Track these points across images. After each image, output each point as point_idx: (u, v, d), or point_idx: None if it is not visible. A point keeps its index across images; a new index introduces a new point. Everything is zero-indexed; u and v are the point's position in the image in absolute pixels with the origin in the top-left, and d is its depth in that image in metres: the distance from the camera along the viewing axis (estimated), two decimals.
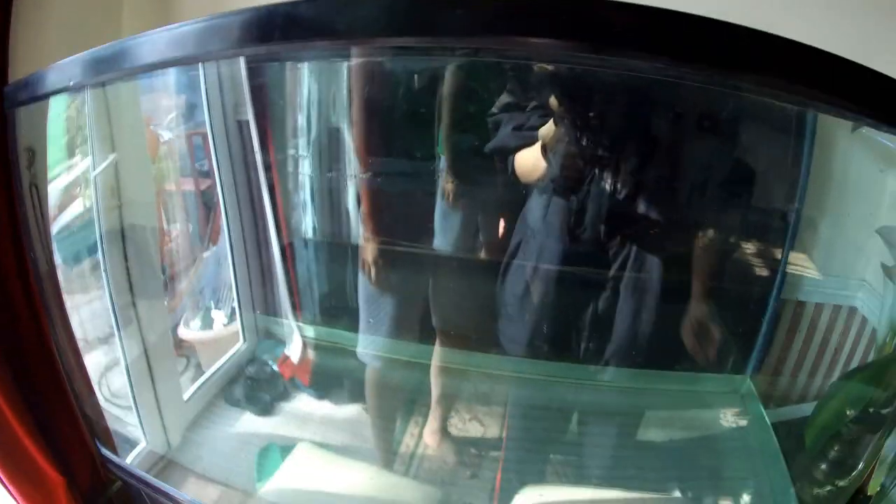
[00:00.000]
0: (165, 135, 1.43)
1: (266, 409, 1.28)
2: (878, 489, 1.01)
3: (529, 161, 1.00)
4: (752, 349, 1.15)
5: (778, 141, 1.11)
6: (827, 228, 1.18)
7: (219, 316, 1.34)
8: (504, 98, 0.98)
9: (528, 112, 0.99)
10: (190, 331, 1.37)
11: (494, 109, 0.99)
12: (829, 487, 1.11)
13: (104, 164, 1.17)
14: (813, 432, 1.15)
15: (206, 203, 1.37)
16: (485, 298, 1.12)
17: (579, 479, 1.15)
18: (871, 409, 1.09)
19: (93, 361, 1.24)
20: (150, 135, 1.39)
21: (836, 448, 1.12)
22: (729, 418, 1.17)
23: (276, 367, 1.31)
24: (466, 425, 1.20)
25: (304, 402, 1.29)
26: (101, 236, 1.17)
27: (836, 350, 1.17)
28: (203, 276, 1.37)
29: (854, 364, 1.16)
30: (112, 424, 1.16)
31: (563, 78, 0.98)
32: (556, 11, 0.59)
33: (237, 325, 1.33)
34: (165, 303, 1.32)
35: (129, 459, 1.14)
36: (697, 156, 1.07)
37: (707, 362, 1.15)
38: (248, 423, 1.27)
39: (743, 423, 1.16)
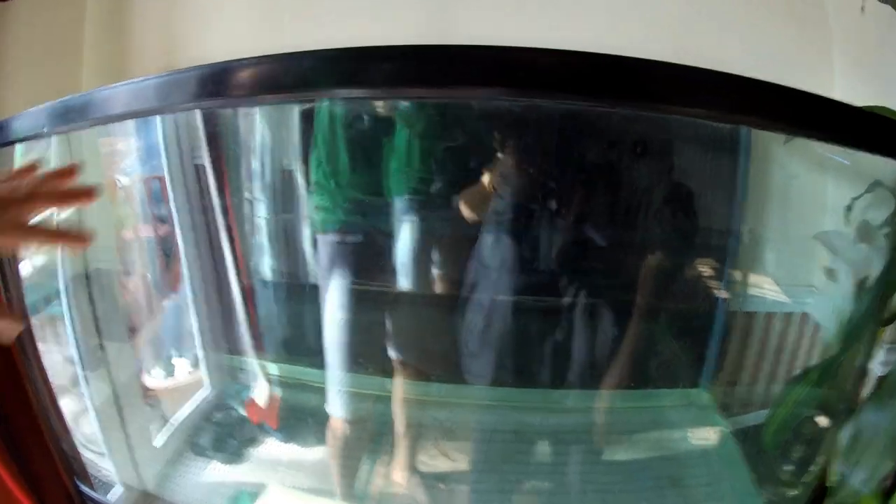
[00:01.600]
0: (123, 180, 1.43)
1: (234, 456, 1.27)
2: (838, 478, 1.04)
3: (475, 198, 1.04)
4: (704, 362, 1.19)
5: (714, 157, 1.17)
6: (771, 239, 1.24)
7: (181, 363, 1.32)
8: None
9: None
10: (153, 379, 1.35)
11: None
12: (794, 488, 1.15)
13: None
14: (771, 435, 1.18)
15: (165, 249, 1.37)
16: (444, 332, 1.14)
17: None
18: (824, 406, 1.13)
19: (67, 404, 1.21)
20: (108, 180, 1.38)
21: (796, 448, 1.16)
22: (689, 430, 1.21)
23: (242, 412, 1.29)
24: (434, 461, 1.20)
25: (272, 446, 1.28)
26: (64, 282, 1.16)
27: (791, 355, 1.22)
28: (164, 323, 1.36)
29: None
30: (89, 466, 1.14)
31: (504, 118, 1.03)
32: (483, 59, 0.62)
33: (201, 371, 1.32)
34: (132, 349, 1.31)
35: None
36: (637, 181, 1.12)
37: (662, 378, 1.19)
38: (217, 470, 1.25)
39: (703, 433, 1.19)
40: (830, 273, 1.19)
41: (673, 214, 1.15)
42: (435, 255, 1.12)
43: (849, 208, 1.09)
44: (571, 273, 1.11)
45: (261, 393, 1.27)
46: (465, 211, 1.06)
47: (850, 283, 1.15)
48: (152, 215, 1.44)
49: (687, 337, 1.19)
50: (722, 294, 1.20)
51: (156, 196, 1.45)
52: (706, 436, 1.20)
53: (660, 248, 1.14)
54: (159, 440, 1.27)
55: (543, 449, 1.17)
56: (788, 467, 1.14)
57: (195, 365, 1.32)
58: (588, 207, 1.09)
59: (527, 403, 1.17)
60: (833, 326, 1.17)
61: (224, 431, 1.27)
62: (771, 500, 1.14)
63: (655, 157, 1.10)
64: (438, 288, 1.14)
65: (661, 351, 1.19)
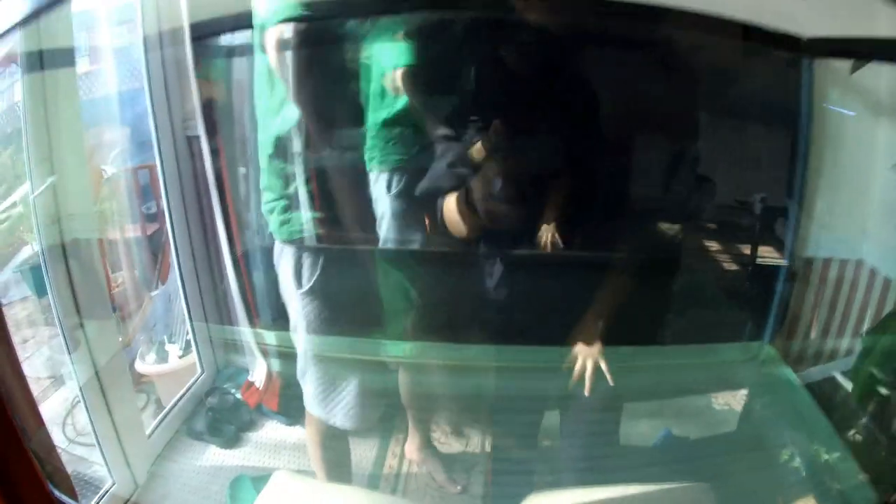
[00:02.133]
0: (109, 170, 1.38)
1: (232, 441, 1.15)
2: None
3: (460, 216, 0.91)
4: (765, 311, 1.03)
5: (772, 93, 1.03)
6: (826, 182, 1.08)
7: (173, 348, 1.23)
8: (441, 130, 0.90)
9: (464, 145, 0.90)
10: (146, 365, 1.25)
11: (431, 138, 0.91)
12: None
13: (44, 186, 1.09)
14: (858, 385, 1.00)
15: (153, 246, 1.31)
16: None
17: (612, 468, 0.99)
18: None
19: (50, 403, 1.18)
20: (94, 170, 1.33)
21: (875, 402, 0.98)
22: (753, 386, 1.03)
23: (239, 396, 1.18)
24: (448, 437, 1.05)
25: (274, 430, 1.15)
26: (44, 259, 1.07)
27: (848, 303, 1.05)
28: (156, 308, 1.28)
29: (870, 313, 1.04)
30: (73, 467, 1.04)
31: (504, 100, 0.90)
32: None
33: (193, 354, 1.22)
34: (119, 338, 1.21)
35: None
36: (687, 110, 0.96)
37: (720, 332, 1.03)
38: (215, 455, 1.15)
39: (769, 388, 1.02)
40: None
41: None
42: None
43: None
44: (611, 218, 0.95)
45: (258, 372, 1.15)
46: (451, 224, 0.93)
47: None
48: (141, 192, 1.38)
49: (744, 285, 1.04)
50: (784, 237, 1.04)
51: (144, 185, 1.39)
52: (775, 391, 1.02)
53: (713, 189, 0.99)
54: (150, 428, 1.15)
55: (592, 416, 0.99)
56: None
57: (187, 349, 1.23)
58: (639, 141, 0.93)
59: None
60: None
61: (219, 416, 1.15)
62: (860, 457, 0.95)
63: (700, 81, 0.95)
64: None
65: (715, 301, 1.03)
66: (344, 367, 0.97)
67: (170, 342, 1.24)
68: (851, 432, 0.96)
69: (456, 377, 1.03)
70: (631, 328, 0.96)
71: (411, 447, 1.09)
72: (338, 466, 0.99)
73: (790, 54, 1.00)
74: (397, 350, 1.02)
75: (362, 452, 1.10)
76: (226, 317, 1.20)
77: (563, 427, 1.01)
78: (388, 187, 0.97)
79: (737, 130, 1.01)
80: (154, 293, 1.29)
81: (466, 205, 0.92)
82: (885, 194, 1.04)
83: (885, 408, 0.95)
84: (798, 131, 1.00)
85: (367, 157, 0.96)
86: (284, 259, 0.94)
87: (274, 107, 0.92)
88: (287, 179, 0.95)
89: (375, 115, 0.94)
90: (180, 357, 1.23)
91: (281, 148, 0.95)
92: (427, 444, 1.09)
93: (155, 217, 1.39)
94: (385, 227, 0.98)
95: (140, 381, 1.26)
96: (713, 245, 1.10)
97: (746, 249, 1.08)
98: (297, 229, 0.93)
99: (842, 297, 1.11)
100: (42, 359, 1.27)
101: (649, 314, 0.98)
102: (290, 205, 0.92)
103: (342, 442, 1.00)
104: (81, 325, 1.06)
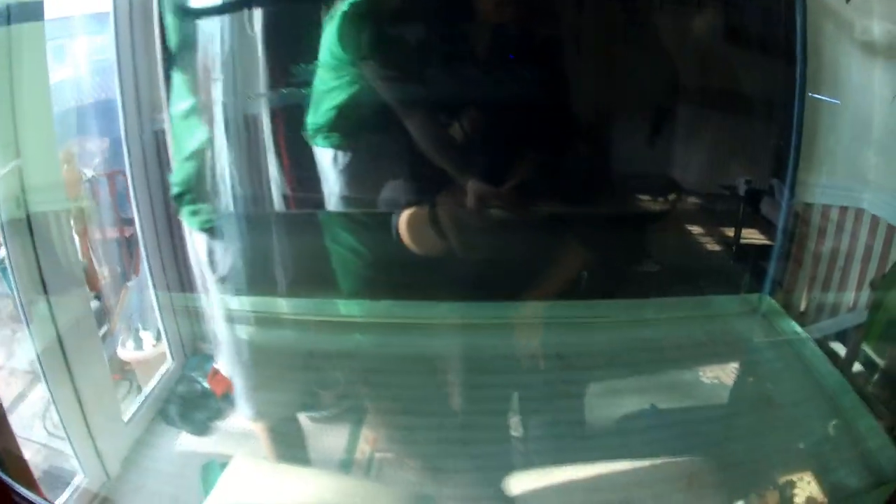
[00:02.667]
0: (89, 173, 1.43)
1: (202, 428, 1.11)
2: None
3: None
4: (768, 260, 0.95)
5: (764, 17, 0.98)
6: (824, 124, 1.02)
7: (147, 336, 1.22)
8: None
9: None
10: (126, 351, 1.24)
11: None
12: None
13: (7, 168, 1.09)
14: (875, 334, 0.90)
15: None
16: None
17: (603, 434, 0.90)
18: None
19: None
20: (71, 173, 1.37)
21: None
22: (755, 341, 0.94)
23: (206, 385, 1.15)
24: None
25: (240, 417, 1.11)
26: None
27: (849, 254, 0.97)
28: (131, 297, 1.29)
29: (874, 264, 0.96)
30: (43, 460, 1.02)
31: None
32: None
33: (164, 343, 1.20)
34: (94, 324, 1.20)
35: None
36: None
37: (717, 283, 0.95)
38: (189, 441, 1.12)
39: (773, 343, 0.93)
40: None
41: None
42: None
43: None
44: (586, 161, 0.90)
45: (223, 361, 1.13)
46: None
47: None
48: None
49: (741, 231, 0.96)
50: (783, 180, 0.98)
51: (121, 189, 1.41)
52: (781, 345, 0.93)
53: (705, 126, 0.93)
54: (127, 414, 1.13)
55: (579, 377, 0.91)
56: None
57: (159, 337, 1.22)
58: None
59: (556, 318, 0.93)
60: None
61: (188, 404, 1.12)
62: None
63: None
64: None
65: (709, 252, 0.96)
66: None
67: (144, 329, 1.23)
68: (869, 388, 0.86)
69: (420, 337, 0.97)
70: (630, 282, 0.91)
71: (374, 437, 1.00)
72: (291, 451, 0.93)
73: None
74: (350, 310, 0.97)
75: (333, 437, 1.04)
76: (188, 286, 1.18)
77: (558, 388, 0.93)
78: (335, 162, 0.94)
79: (729, 70, 0.96)
80: (130, 283, 1.30)
81: (433, 225, 0.85)
82: (885, 139, 0.98)
83: None
84: (794, 69, 0.94)
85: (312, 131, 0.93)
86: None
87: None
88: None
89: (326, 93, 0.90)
90: (154, 345, 1.22)
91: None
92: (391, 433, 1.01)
93: (132, 221, 1.41)
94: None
95: (124, 369, 1.26)
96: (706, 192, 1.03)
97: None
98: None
99: (843, 247, 1.03)
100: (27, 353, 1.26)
101: (646, 267, 0.92)
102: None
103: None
104: (47, 298, 1.05)
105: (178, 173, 0.95)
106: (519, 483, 0.84)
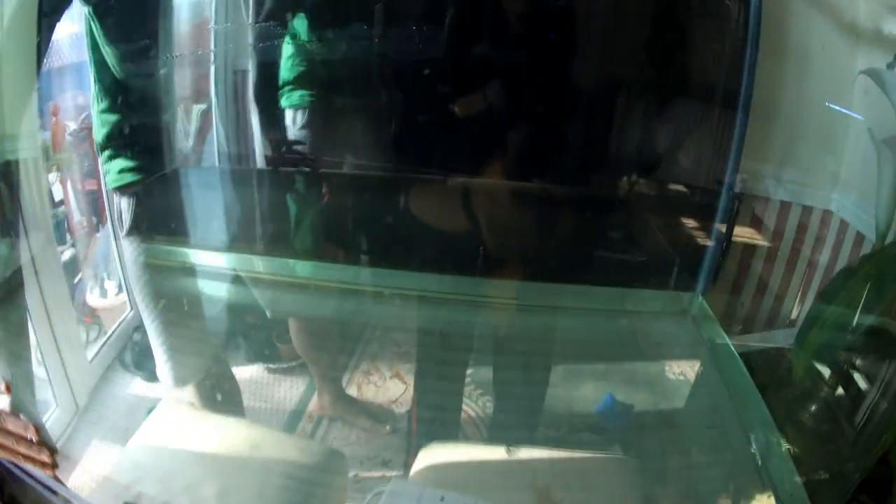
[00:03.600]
0: (71, 125, 1.45)
1: (153, 376, 1.18)
2: None
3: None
4: (701, 258, 0.89)
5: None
6: (786, 108, 0.91)
7: (111, 285, 1.28)
8: None
9: None
10: (93, 298, 1.32)
11: None
12: (832, 443, 0.82)
13: None
14: (804, 361, 0.85)
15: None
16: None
17: (496, 429, 0.92)
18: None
19: None
20: (58, 124, 1.40)
21: (829, 385, 0.83)
22: (679, 347, 0.90)
23: None
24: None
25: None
26: None
27: (811, 260, 0.89)
28: (99, 247, 1.34)
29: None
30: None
31: None
32: None
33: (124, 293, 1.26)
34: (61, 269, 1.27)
35: None
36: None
37: (646, 276, 0.90)
38: (141, 386, 1.21)
39: (698, 352, 0.88)
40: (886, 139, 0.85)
41: (658, 69, 0.87)
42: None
43: (891, 66, 0.77)
44: (526, 145, 0.86)
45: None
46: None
47: None
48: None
49: (677, 222, 0.90)
50: (724, 170, 0.89)
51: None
52: (703, 356, 0.89)
53: (638, 104, 0.87)
54: (91, 354, 1.22)
55: (487, 360, 0.91)
56: (816, 409, 0.81)
57: (119, 288, 1.27)
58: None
59: (473, 296, 0.92)
60: (884, 214, 0.83)
61: (143, 352, 1.19)
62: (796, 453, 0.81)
63: None
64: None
65: (642, 239, 0.91)
66: None
67: (108, 279, 1.29)
68: (793, 419, 0.81)
69: (370, 304, 0.99)
70: (553, 263, 0.88)
71: (320, 404, 1.04)
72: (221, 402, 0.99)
73: None
74: (295, 269, 0.99)
75: (285, 391, 1.09)
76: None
77: (495, 373, 0.95)
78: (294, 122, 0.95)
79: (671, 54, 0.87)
80: (98, 234, 1.35)
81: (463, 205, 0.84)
82: (862, 135, 0.87)
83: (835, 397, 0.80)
84: (746, 42, 0.84)
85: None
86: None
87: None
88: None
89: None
90: (116, 294, 1.28)
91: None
92: (340, 397, 1.06)
93: None
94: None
95: (93, 314, 1.34)
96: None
97: (679, 179, 0.93)
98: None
99: (804, 250, 0.95)
100: None
101: (573, 250, 0.89)
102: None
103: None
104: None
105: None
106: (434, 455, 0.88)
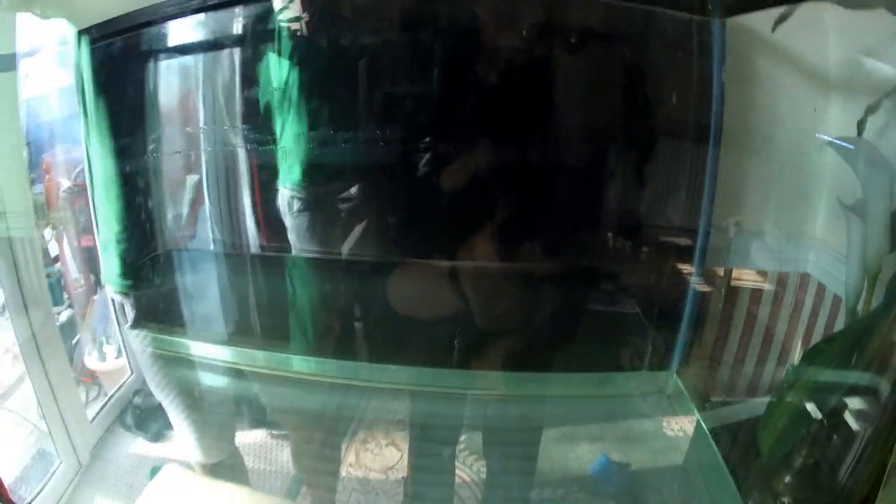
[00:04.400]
0: (65, 183, 1.47)
1: (156, 436, 1.24)
2: None
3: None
4: (676, 336, 0.93)
5: (675, 60, 0.88)
6: (756, 173, 0.93)
7: (110, 349, 1.32)
8: None
9: None
10: (91, 360, 1.36)
11: None
12: None
13: None
14: (771, 436, 0.89)
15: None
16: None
17: None
18: (853, 393, 0.83)
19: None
20: (52, 182, 1.42)
21: (803, 454, 0.87)
22: (655, 426, 0.94)
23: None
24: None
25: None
26: None
27: (788, 328, 0.92)
28: (97, 310, 1.37)
29: (816, 338, 0.90)
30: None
31: None
32: None
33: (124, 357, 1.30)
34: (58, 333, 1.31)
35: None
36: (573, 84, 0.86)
37: (621, 358, 0.93)
38: (143, 446, 1.26)
39: (673, 431, 0.92)
40: (848, 207, 0.87)
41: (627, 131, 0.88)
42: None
43: (861, 124, 0.79)
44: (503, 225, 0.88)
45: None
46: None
47: (881, 215, 0.83)
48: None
49: (651, 302, 0.93)
50: (693, 243, 0.92)
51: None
52: (679, 435, 0.92)
53: (609, 171, 0.87)
54: (91, 413, 1.28)
55: (478, 446, 0.94)
56: (790, 480, 0.85)
57: (119, 352, 1.32)
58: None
59: (455, 388, 0.96)
60: (854, 282, 0.86)
61: (144, 414, 1.23)
62: None
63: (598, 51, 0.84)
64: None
65: (623, 319, 0.93)
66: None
67: (107, 343, 1.33)
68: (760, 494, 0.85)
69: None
70: (538, 353, 0.90)
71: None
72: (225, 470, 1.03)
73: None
74: (291, 364, 1.02)
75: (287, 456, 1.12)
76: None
77: (485, 448, 0.97)
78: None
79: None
80: (95, 297, 1.38)
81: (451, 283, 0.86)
82: (836, 190, 0.88)
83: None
84: (710, 110, 0.86)
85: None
86: None
87: None
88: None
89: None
90: (116, 358, 1.32)
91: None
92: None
93: None
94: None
95: (93, 375, 1.37)
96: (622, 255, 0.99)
97: (655, 259, 0.96)
98: None
99: (782, 317, 0.97)
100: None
101: (557, 338, 0.91)
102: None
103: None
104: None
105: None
106: None
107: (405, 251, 0.93)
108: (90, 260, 1.47)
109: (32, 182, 1.42)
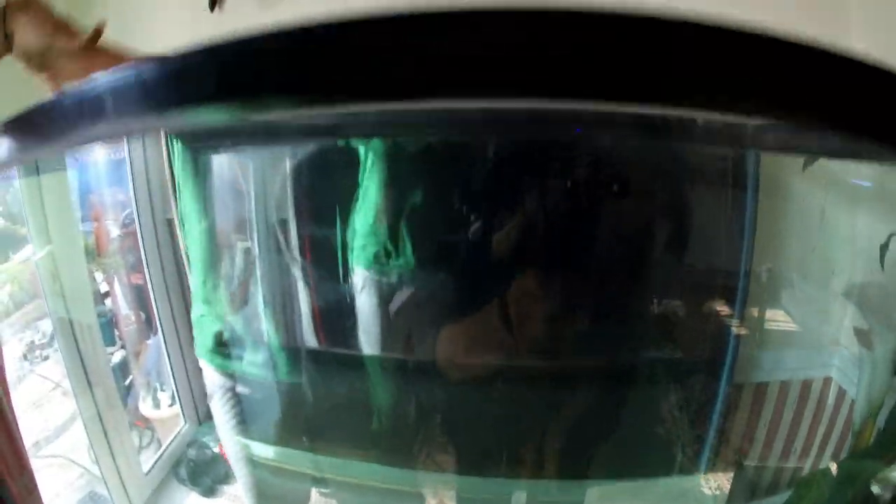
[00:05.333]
0: (115, 230, 1.52)
1: (209, 490, 1.30)
2: None
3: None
4: (704, 443, 0.99)
5: (713, 194, 0.95)
6: (785, 289, 1.00)
7: (164, 396, 1.38)
8: None
9: None
10: (145, 407, 1.42)
11: None
12: None
13: (42, 253, 1.24)
14: None
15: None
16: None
17: None
18: None
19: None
20: (101, 229, 1.47)
21: None
22: None
23: (217, 451, 1.31)
24: None
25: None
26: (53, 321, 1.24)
27: (809, 433, 0.99)
28: (150, 355, 1.43)
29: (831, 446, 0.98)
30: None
31: None
32: None
33: (178, 406, 1.36)
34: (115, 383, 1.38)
35: None
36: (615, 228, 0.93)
37: (653, 464, 1.00)
38: (197, 500, 1.30)
39: None
40: (862, 335, 0.95)
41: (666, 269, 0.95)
42: None
43: (885, 247, 0.85)
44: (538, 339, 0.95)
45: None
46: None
47: (887, 352, 0.90)
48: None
49: (682, 410, 1.00)
50: (723, 359, 0.99)
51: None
52: None
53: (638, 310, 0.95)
54: (146, 466, 1.33)
55: None
56: None
57: (173, 400, 1.36)
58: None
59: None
60: (862, 402, 0.93)
61: (197, 467, 1.30)
62: None
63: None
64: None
65: (656, 426, 1.00)
66: None
67: (161, 390, 1.39)
68: None
69: None
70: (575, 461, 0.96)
71: None
72: None
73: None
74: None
75: None
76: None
77: None
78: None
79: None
80: (149, 341, 1.43)
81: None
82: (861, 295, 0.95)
83: None
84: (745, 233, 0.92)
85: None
86: None
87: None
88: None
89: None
90: (170, 406, 1.38)
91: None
92: None
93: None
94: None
95: (146, 421, 1.44)
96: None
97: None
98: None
99: (803, 424, 1.04)
100: None
101: (593, 444, 0.95)
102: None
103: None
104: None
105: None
106: None
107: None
108: (140, 298, 1.53)
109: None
